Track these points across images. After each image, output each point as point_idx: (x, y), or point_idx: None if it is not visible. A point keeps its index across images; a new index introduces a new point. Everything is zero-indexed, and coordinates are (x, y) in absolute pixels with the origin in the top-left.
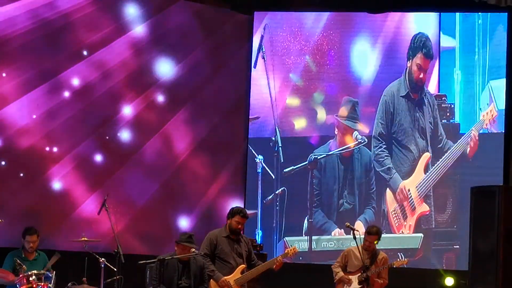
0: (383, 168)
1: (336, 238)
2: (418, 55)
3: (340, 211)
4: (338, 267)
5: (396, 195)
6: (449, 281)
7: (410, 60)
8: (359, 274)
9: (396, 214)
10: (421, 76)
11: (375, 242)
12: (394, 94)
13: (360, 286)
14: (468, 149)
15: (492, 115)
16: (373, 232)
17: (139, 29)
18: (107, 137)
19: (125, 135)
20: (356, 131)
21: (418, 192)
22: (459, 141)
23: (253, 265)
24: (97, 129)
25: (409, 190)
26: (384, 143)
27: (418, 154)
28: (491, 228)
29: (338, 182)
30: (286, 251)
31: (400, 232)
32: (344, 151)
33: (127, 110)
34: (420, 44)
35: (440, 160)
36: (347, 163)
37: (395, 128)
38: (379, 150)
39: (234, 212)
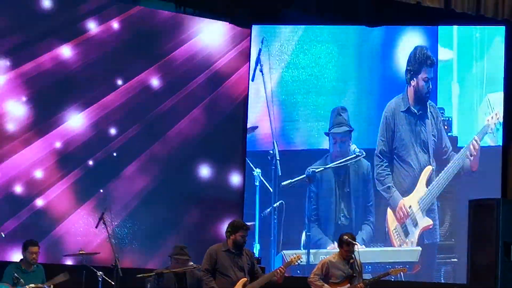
0: (383, 187)
1: (334, 252)
2: (423, 70)
3: (339, 224)
4: (319, 279)
5: (396, 214)
6: None
7: (415, 78)
8: (348, 285)
9: (397, 233)
10: (430, 87)
11: None
12: (394, 110)
13: None
14: (469, 162)
15: (498, 118)
16: (354, 240)
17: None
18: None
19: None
20: (353, 145)
21: (420, 207)
22: (458, 154)
23: (257, 278)
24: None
25: (410, 207)
26: (385, 160)
27: (419, 168)
28: (489, 242)
29: (335, 194)
30: (290, 259)
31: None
32: (341, 164)
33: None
34: (423, 58)
35: (442, 173)
36: (343, 175)
37: (396, 144)
38: (380, 168)
39: (237, 227)
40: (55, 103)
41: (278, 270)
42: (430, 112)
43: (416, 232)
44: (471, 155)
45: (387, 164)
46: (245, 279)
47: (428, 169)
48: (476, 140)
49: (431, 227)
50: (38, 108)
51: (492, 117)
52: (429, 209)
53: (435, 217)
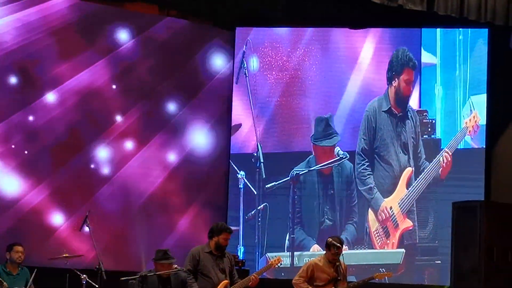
0: (365, 187)
1: (318, 254)
2: (405, 71)
3: (322, 228)
4: (304, 282)
5: (378, 215)
6: None
7: (396, 79)
8: (332, 287)
9: (378, 234)
10: (411, 89)
11: None
12: (376, 110)
13: None
14: (441, 170)
15: (476, 121)
16: (341, 244)
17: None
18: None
19: (102, 153)
20: (337, 147)
21: (401, 208)
22: (435, 158)
23: (234, 282)
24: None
25: (391, 208)
26: (367, 159)
27: (399, 169)
28: (472, 244)
29: (318, 198)
30: (270, 262)
31: (383, 248)
32: (325, 167)
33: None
34: (406, 59)
35: (421, 175)
36: (327, 178)
37: (377, 143)
38: (362, 168)
39: (220, 229)
40: None
41: (252, 277)
42: (410, 116)
43: (396, 233)
44: (442, 165)
45: (368, 163)
46: (227, 281)
47: (408, 171)
48: (447, 152)
49: (411, 228)
50: None
51: (470, 120)
52: (409, 210)
53: (414, 218)
